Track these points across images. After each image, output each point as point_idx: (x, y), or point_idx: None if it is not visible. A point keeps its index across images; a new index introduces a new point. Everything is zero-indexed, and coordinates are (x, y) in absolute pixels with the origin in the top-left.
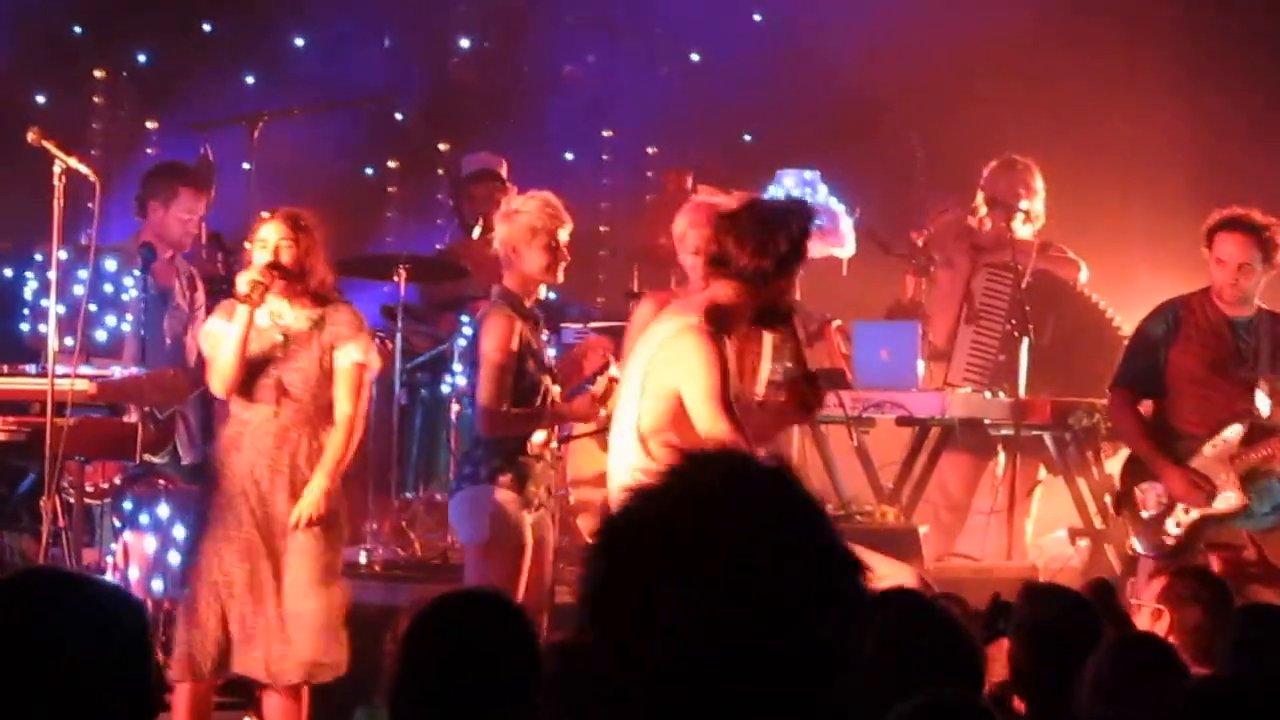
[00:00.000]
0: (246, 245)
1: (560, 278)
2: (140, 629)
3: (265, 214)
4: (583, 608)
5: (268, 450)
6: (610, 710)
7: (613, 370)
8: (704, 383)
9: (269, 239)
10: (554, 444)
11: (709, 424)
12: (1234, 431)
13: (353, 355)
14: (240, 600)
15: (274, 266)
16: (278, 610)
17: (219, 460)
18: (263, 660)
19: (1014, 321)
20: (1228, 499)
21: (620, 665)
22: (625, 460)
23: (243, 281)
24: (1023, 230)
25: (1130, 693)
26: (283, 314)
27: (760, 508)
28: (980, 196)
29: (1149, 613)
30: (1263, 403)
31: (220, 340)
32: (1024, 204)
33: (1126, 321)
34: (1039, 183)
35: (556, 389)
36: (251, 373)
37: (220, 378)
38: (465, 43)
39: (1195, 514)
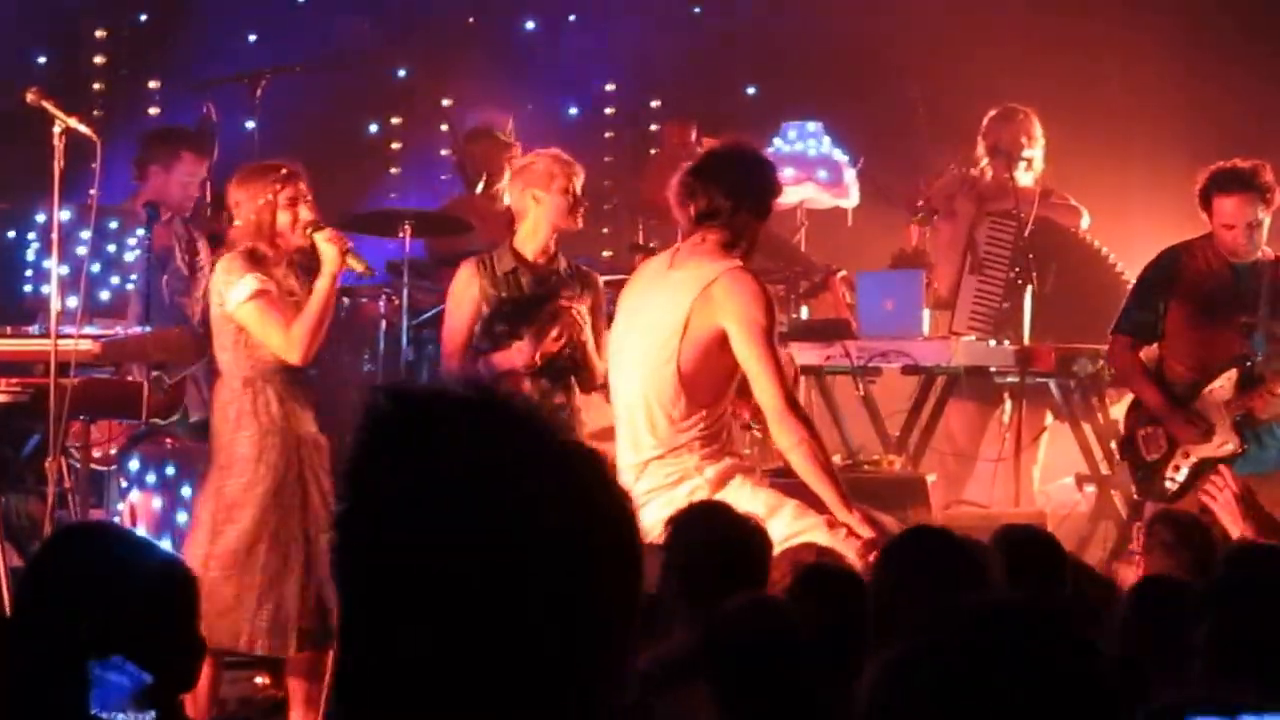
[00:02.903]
0: (259, 202)
1: (580, 223)
2: (190, 593)
3: (284, 170)
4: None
5: (302, 411)
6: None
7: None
8: (756, 319)
9: (301, 194)
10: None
11: (754, 360)
12: (1229, 377)
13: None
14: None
15: (317, 225)
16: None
17: (269, 427)
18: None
19: (1017, 269)
20: (1225, 444)
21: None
22: (655, 401)
23: (331, 255)
24: (1024, 178)
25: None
26: (284, 281)
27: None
28: (981, 146)
29: (1136, 560)
30: (1259, 346)
31: (270, 301)
32: (1026, 152)
33: (1129, 268)
34: (1039, 130)
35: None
36: None
37: (308, 342)
38: None
39: (1195, 459)
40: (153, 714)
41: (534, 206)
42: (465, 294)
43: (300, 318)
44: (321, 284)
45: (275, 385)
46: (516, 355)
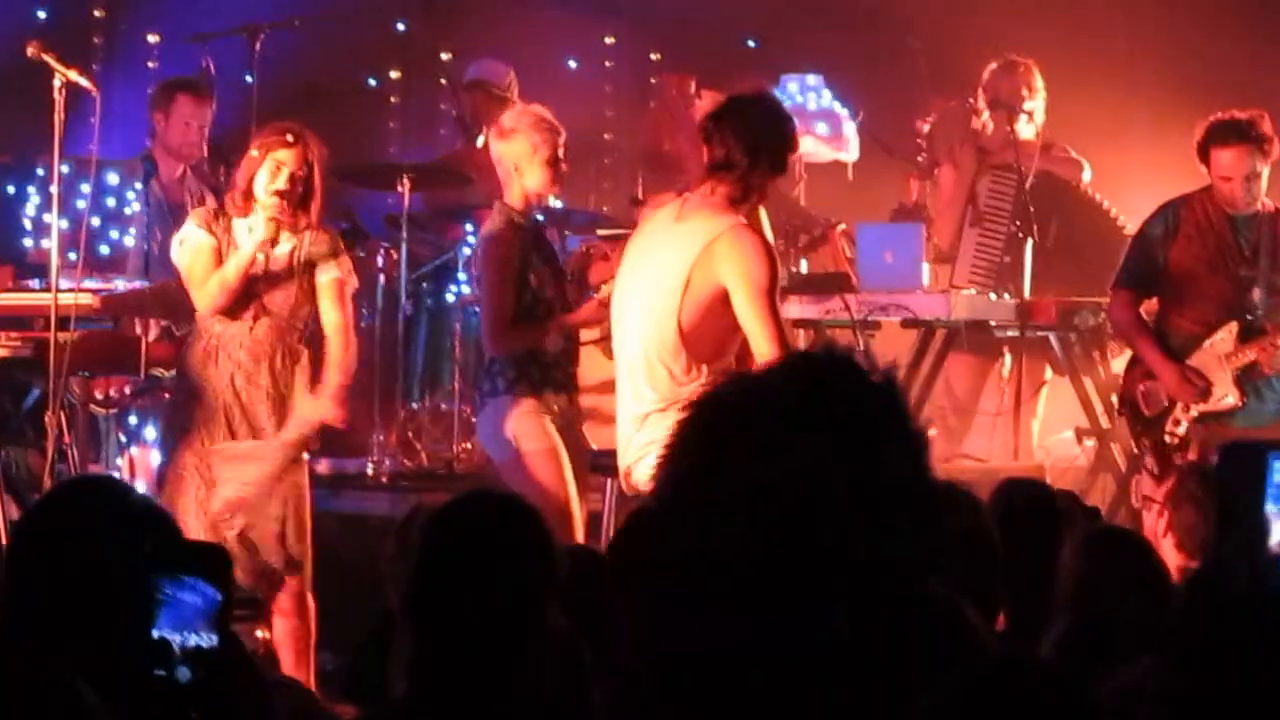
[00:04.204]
0: (253, 153)
1: (559, 189)
2: (121, 505)
3: (290, 136)
4: (661, 480)
5: (244, 363)
6: (669, 585)
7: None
8: (758, 278)
9: (286, 165)
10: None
11: (755, 319)
12: (1230, 329)
13: (332, 273)
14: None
15: (281, 195)
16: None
17: (195, 373)
18: (265, 567)
19: (1018, 223)
20: (1225, 397)
21: (683, 544)
22: (656, 355)
23: (264, 224)
24: (1025, 131)
25: (1105, 586)
26: (238, 235)
27: (852, 404)
28: (981, 99)
29: (1156, 510)
30: (1260, 300)
31: (199, 253)
32: (1026, 104)
33: (1130, 220)
34: (1039, 83)
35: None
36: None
37: (213, 297)
38: None
39: (1194, 413)
40: (216, 637)
41: (517, 177)
42: (512, 265)
43: (218, 272)
44: (244, 249)
45: (213, 328)
46: (587, 314)
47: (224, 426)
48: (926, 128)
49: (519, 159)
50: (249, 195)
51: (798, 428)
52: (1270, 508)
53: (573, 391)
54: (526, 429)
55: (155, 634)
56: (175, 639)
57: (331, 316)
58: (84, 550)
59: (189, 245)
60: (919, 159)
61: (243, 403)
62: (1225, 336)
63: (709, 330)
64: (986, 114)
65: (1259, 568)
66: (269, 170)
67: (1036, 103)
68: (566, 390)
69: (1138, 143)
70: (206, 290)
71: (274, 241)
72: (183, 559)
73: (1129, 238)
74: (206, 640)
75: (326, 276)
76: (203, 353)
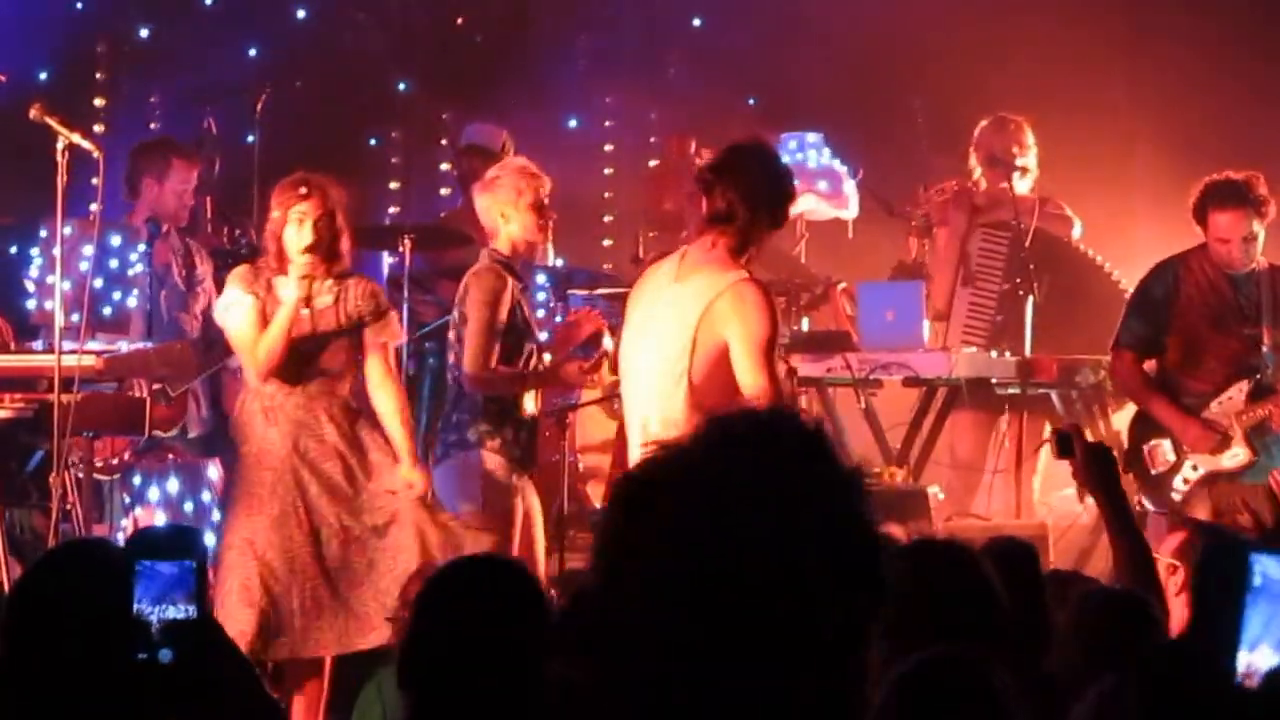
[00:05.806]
0: (275, 213)
1: (548, 236)
2: (115, 568)
3: (303, 189)
4: (595, 559)
5: (307, 421)
6: (616, 664)
7: (606, 343)
8: (756, 334)
9: (308, 216)
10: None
11: (750, 375)
12: (1239, 388)
13: (381, 335)
14: (304, 577)
15: (312, 249)
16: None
17: (257, 438)
18: (335, 635)
19: (1018, 279)
20: (1236, 455)
21: (626, 623)
22: (664, 415)
23: (297, 284)
24: (1020, 187)
25: (1104, 645)
26: (278, 294)
27: (783, 478)
28: (974, 156)
29: (1165, 567)
30: (1268, 358)
31: (245, 316)
32: (1019, 160)
33: (1125, 276)
34: (1030, 139)
35: (547, 357)
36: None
37: (261, 364)
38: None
39: (1202, 470)
40: (194, 608)
41: (503, 225)
42: (503, 305)
43: (261, 337)
44: (282, 312)
45: (265, 390)
46: (570, 375)
47: (294, 489)
48: (919, 210)
49: (504, 206)
50: (282, 255)
51: (720, 504)
52: (1249, 608)
53: (533, 458)
54: (495, 488)
55: (135, 609)
56: (154, 612)
57: (383, 378)
58: (79, 615)
59: (236, 310)
60: (919, 215)
61: (310, 460)
62: (1235, 395)
63: (720, 386)
64: (979, 171)
65: (1225, 666)
66: (294, 226)
67: (1029, 159)
68: (530, 456)
69: (1136, 198)
70: (254, 357)
71: (308, 299)
72: (156, 545)
73: (1123, 293)
74: (184, 613)
75: (376, 339)
76: (262, 416)
